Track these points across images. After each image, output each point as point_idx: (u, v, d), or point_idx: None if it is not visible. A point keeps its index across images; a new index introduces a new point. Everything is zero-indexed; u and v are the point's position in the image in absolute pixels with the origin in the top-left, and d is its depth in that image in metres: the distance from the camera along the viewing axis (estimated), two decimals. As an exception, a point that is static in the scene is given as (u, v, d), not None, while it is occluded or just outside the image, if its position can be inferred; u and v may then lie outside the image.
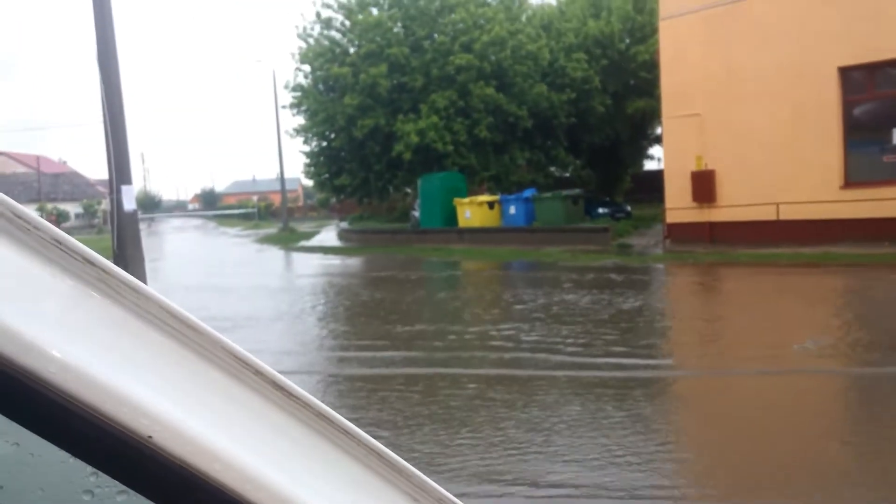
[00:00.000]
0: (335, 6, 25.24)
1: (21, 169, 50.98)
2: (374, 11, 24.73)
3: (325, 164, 26.74)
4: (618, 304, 8.46)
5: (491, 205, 19.69)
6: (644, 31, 24.88)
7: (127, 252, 7.28)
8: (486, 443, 4.06)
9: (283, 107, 27.76)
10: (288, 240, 25.76)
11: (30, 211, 0.39)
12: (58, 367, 0.36)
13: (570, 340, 6.58)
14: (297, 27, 33.95)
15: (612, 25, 25.35)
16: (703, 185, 14.51)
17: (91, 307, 0.39)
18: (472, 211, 19.75)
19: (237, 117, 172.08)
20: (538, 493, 3.43)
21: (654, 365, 5.86)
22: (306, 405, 0.44)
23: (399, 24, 24.56)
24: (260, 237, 28.89)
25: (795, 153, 13.30)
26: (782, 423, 4.33)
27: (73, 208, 47.96)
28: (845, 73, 13.06)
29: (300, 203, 62.57)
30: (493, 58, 23.57)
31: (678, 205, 14.94)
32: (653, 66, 20.08)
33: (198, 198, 78.02)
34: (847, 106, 13.24)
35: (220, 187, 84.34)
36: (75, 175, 55.11)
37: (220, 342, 0.42)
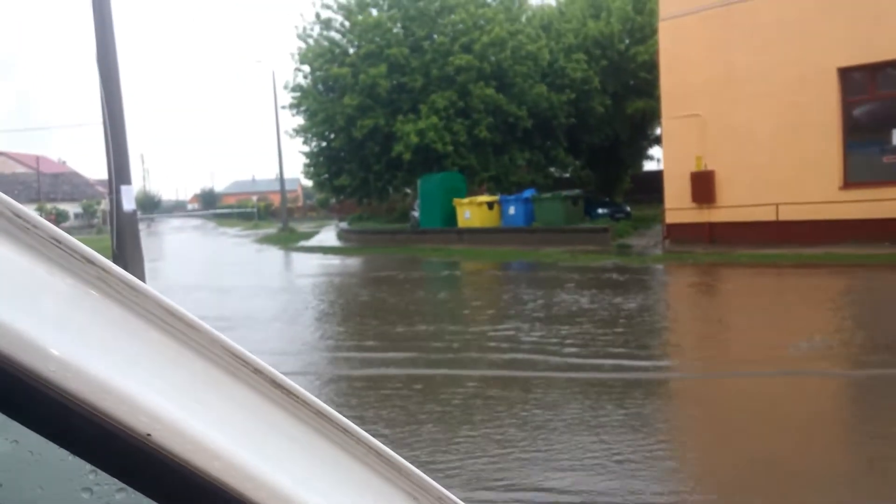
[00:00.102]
0: (335, 7, 25.25)
1: (20, 169, 50.97)
2: (374, 12, 24.74)
3: (324, 165, 26.75)
4: (617, 305, 8.46)
5: (490, 205, 19.69)
6: (644, 31, 24.90)
7: (126, 252, 7.28)
8: (482, 446, 4.05)
9: (283, 107, 27.77)
10: (287, 240, 25.76)
11: (29, 210, 0.39)
12: (57, 365, 0.36)
13: (568, 341, 6.58)
14: (296, 28, 34.02)
15: (612, 26, 25.37)
16: (703, 186, 14.51)
17: (90, 306, 0.39)
18: (472, 211, 19.75)
19: (237, 117, 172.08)
20: (537, 498, 3.37)
21: (653, 367, 5.86)
22: (305, 403, 0.44)
23: (399, 25, 24.56)
24: (259, 237, 28.89)
25: (795, 154, 13.31)
26: (782, 426, 4.33)
27: (72, 208, 47.93)
28: (845, 73, 13.07)
29: (300, 203, 62.56)
30: (492, 58, 23.58)
31: (678, 205, 14.94)
32: (652, 67, 20.09)
33: (197, 198, 78.01)
34: (847, 106, 13.25)
35: (219, 187, 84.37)
36: (75, 175, 55.11)
37: (219, 340, 0.42)
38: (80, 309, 0.39)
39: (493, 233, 18.90)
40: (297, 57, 25.93)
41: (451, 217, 20.41)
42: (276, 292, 12.06)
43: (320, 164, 26.88)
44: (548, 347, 6.32)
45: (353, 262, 17.19)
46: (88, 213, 47.92)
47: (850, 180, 13.13)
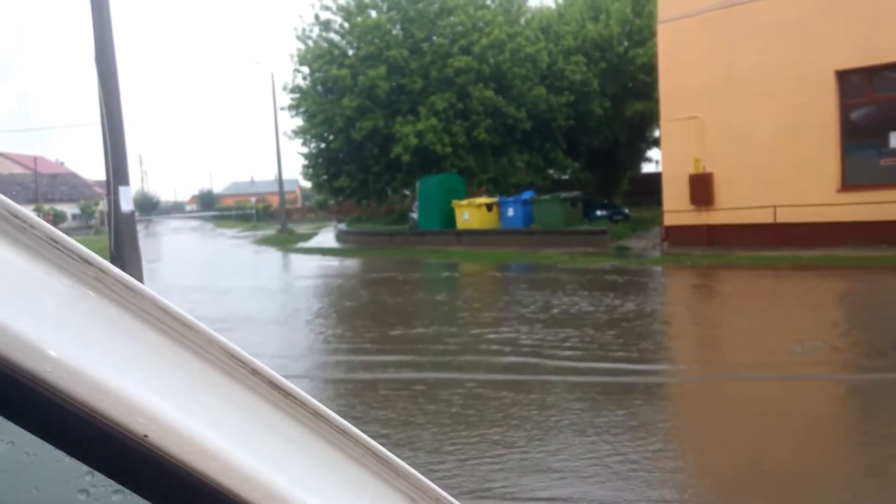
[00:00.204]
0: (334, 8, 25.27)
1: (18, 170, 50.92)
2: (373, 14, 24.76)
3: (323, 166, 26.75)
4: (615, 308, 8.47)
5: (489, 207, 19.70)
6: (643, 34, 24.95)
7: (124, 253, 7.27)
8: (479, 450, 4.04)
9: (282, 108, 27.72)
10: (286, 241, 25.75)
11: (26, 210, 0.39)
12: (53, 365, 0.36)
13: (566, 344, 6.58)
14: (295, 29, 33.98)
15: (611, 28, 25.41)
16: (701, 188, 14.53)
17: (87, 306, 0.39)
18: (471, 213, 19.76)
19: (235, 119, 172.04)
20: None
21: (651, 370, 5.86)
22: (303, 404, 0.44)
23: (398, 27, 24.58)
24: (258, 238, 28.87)
25: (793, 156, 13.34)
26: (781, 430, 4.33)
27: (70, 209, 47.88)
28: (843, 76, 13.10)
29: (298, 205, 62.55)
30: (491, 60, 23.60)
31: (676, 207, 14.96)
32: (651, 69, 20.12)
33: (195, 199, 77.97)
34: (845, 109, 13.28)
35: (218, 188, 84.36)
36: (73, 176, 55.05)
37: (216, 341, 0.42)
38: (77, 309, 0.39)
39: (492, 234, 18.91)
40: (296, 58, 25.95)
41: (449, 219, 20.42)
42: (274, 294, 12.05)
43: (319, 166, 26.88)
44: (545, 350, 6.31)
45: (352, 264, 17.18)
46: (86, 213, 47.86)
47: (848, 183, 13.16)
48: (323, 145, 26.42)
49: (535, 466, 3.75)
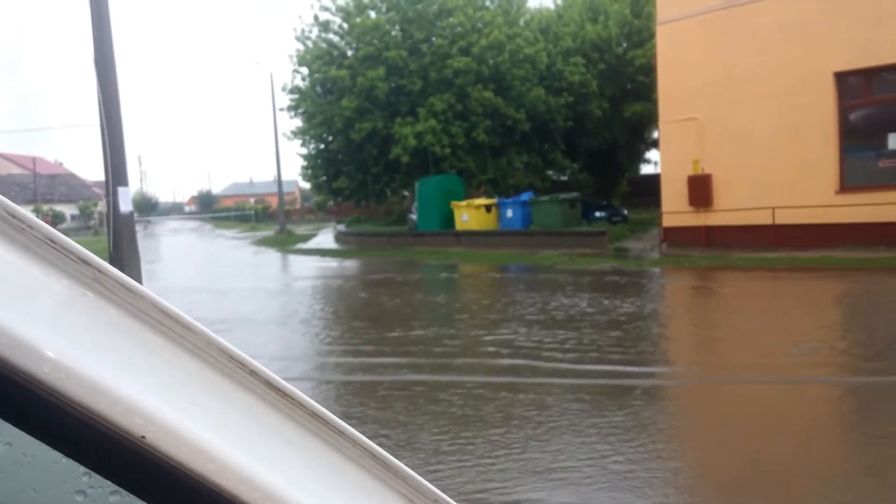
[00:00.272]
0: (333, 9, 25.28)
1: (17, 170, 50.87)
2: (372, 14, 24.77)
3: (322, 167, 26.75)
4: (614, 309, 8.47)
5: (488, 208, 19.70)
6: (641, 35, 24.97)
7: (123, 254, 7.27)
8: (474, 456, 4.04)
9: (281, 109, 27.73)
10: (285, 242, 25.74)
11: (24, 210, 0.39)
12: (51, 366, 0.36)
13: (565, 346, 6.58)
14: (295, 30, 34.02)
15: (610, 29, 25.44)
16: (700, 189, 14.55)
17: (85, 307, 0.39)
18: (470, 214, 19.76)
19: (235, 119, 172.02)
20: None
21: (649, 373, 5.86)
22: (301, 405, 0.44)
23: (397, 28, 24.59)
24: (257, 239, 28.86)
25: (792, 158, 13.35)
26: (779, 432, 4.33)
27: (69, 210, 47.84)
28: (841, 78, 13.12)
29: (297, 205, 62.53)
30: (491, 61, 23.62)
31: (675, 209, 14.97)
32: (650, 71, 20.13)
33: (194, 200, 77.95)
34: (843, 111, 13.30)
35: (217, 189, 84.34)
36: (71, 176, 55.01)
37: (214, 342, 0.42)
38: (75, 310, 0.39)
39: (491, 235, 18.91)
40: (295, 59, 25.95)
41: (448, 220, 20.42)
42: (273, 295, 12.05)
43: (318, 167, 26.88)
44: (543, 353, 6.31)
45: (351, 265, 17.18)
46: (85, 214, 47.83)
47: (847, 184, 13.18)
48: (322, 146, 26.42)
49: (533, 469, 3.74)
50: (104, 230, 8.72)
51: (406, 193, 27.32)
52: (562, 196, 19.07)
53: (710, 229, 14.52)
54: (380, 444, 0.47)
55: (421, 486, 0.48)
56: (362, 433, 0.46)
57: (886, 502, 3.31)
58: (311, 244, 24.57)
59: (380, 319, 8.69)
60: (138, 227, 10.44)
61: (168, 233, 41.29)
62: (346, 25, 25.11)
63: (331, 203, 35.91)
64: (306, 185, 35.57)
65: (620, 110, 26.36)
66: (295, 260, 19.38)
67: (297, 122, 26.65)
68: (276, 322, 8.94)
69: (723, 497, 3.51)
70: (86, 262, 0.39)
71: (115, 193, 7.28)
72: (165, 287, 12.87)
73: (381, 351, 6.76)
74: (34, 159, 50.19)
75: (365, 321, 8.75)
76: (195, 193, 78.90)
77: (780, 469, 3.65)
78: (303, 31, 25.95)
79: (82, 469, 0.40)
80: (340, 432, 0.45)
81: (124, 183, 7.44)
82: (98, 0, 7.22)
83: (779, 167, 13.46)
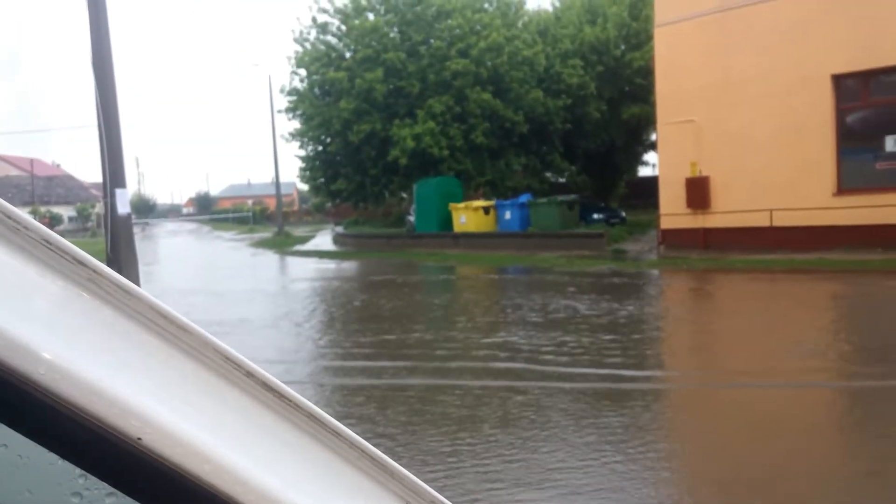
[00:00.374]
0: (331, 11, 25.29)
1: (14, 172, 50.78)
2: (371, 16, 24.78)
3: (320, 169, 26.74)
4: (611, 311, 8.48)
5: (486, 210, 19.71)
6: (639, 37, 25.02)
7: (121, 256, 7.25)
8: (469, 462, 4.03)
9: (279, 111, 27.68)
10: (283, 244, 25.72)
11: (20, 211, 0.38)
12: (47, 368, 0.36)
13: (562, 349, 6.57)
14: (293, 31, 34.00)
15: (608, 32, 25.49)
16: (698, 192, 14.57)
17: (81, 308, 0.39)
18: (468, 216, 19.77)
19: (233, 121, 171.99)
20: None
21: (645, 377, 5.86)
22: (297, 407, 0.43)
23: (395, 29, 24.61)
24: (255, 241, 28.83)
25: (789, 160, 13.38)
26: (776, 438, 4.33)
27: (66, 212, 47.78)
28: (839, 80, 13.16)
29: (295, 207, 62.50)
30: (489, 63, 23.64)
31: (673, 211, 14.99)
32: (648, 73, 20.17)
33: (192, 202, 77.88)
34: (840, 113, 13.33)
35: (215, 191, 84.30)
36: (69, 178, 54.94)
37: (211, 343, 0.42)
38: (70, 311, 0.39)
39: (489, 237, 18.92)
40: (293, 61, 25.96)
41: (446, 222, 20.42)
42: (271, 297, 12.04)
43: (316, 169, 26.87)
44: (540, 357, 6.30)
45: (349, 267, 17.17)
46: (83, 216, 47.76)
47: (844, 187, 13.20)
48: (320, 148, 26.41)
49: (531, 469, 3.74)
50: (102, 232, 8.71)
51: (404, 195, 27.32)
52: (560, 198, 19.09)
53: (707, 231, 14.54)
54: (376, 446, 0.47)
55: (418, 488, 0.48)
56: (358, 435, 0.46)
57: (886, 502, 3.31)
58: (310, 246, 24.56)
59: (377, 322, 8.68)
60: (136, 229, 10.43)
61: (166, 234, 41.25)
62: (344, 27, 25.13)
63: (329, 205, 35.90)
64: (304, 187, 35.55)
65: (618, 112, 26.40)
66: (293, 262, 19.37)
67: (296, 124, 26.66)
68: (273, 325, 8.92)
69: (722, 497, 3.51)
70: (82, 263, 0.39)
71: (112, 195, 7.27)
72: (163, 289, 12.85)
73: (379, 354, 6.75)
74: (31, 161, 50.13)
75: (362, 323, 8.75)
76: (193, 195, 78.84)
77: (778, 471, 3.65)
78: (301, 32, 25.97)
79: (78, 471, 0.40)
80: (337, 434, 0.45)
81: (122, 185, 7.42)
82: (96, 1, 7.22)
83: (776, 169, 13.49)
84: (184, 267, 19.11)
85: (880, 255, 11.67)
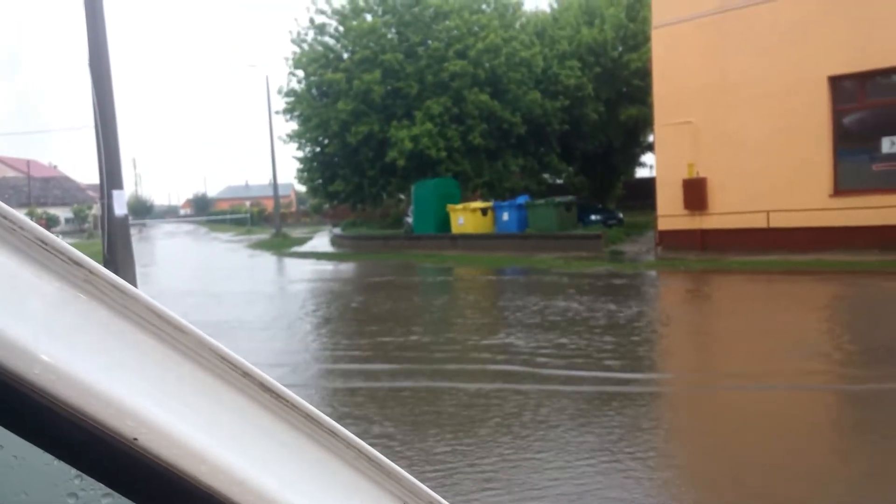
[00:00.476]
0: (329, 12, 25.29)
1: (11, 173, 50.67)
2: (368, 17, 24.79)
3: (318, 170, 26.72)
4: (609, 313, 8.48)
5: (484, 211, 19.72)
6: (637, 39, 25.07)
7: (117, 257, 7.24)
8: (463, 471, 4.02)
9: (277, 112, 27.65)
10: (280, 245, 25.69)
11: (15, 211, 0.38)
12: (42, 368, 0.36)
13: (560, 352, 6.57)
14: (291, 32, 34.03)
15: (606, 33, 25.53)
16: (695, 193, 14.59)
17: (77, 308, 0.39)
18: (466, 217, 19.77)
19: (230, 122, 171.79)
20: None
21: (643, 380, 5.86)
22: (294, 407, 0.43)
23: (393, 31, 24.62)
24: (252, 243, 28.80)
25: (786, 161, 13.41)
26: (775, 439, 4.33)
27: (63, 213, 47.69)
28: (835, 82, 13.19)
29: (293, 208, 62.45)
30: (487, 64, 23.66)
31: (670, 212, 15.01)
32: (645, 74, 20.21)
33: (190, 203, 77.79)
34: (837, 115, 13.37)
35: (212, 192, 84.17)
36: (66, 179, 54.83)
37: (207, 344, 0.41)
38: (66, 311, 0.38)
39: (487, 239, 18.92)
40: (291, 62, 25.95)
41: (444, 223, 20.42)
42: (268, 298, 12.02)
43: (314, 170, 26.85)
44: (536, 359, 6.30)
45: (347, 268, 17.16)
46: (79, 217, 47.66)
47: (841, 188, 13.24)
48: (318, 149, 26.40)
49: (528, 469, 3.74)
50: (98, 233, 8.69)
51: (402, 197, 27.32)
52: (557, 199, 19.11)
53: (704, 232, 14.56)
54: (372, 447, 0.46)
55: (415, 488, 0.48)
56: (355, 435, 0.46)
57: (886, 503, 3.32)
58: (307, 247, 24.54)
59: (375, 323, 8.67)
60: (133, 231, 10.42)
61: (163, 236, 41.17)
62: (341, 28, 25.12)
63: (327, 206, 35.91)
64: (302, 189, 35.53)
65: (616, 114, 26.44)
66: (290, 263, 19.35)
67: (293, 125, 26.65)
68: (270, 327, 8.91)
69: (723, 499, 3.51)
70: (77, 263, 0.39)
71: (109, 196, 7.26)
72: (160, 290, 12.82)
73: (375, 356, 6.74)
74: (28, 162, 50.02)
75: (359, 325, 8.74)
76: (191, 196, 78.76)
77: (777, 472, 3.65)
78: (298, 34, 25.97)
79: (74, 471, 0.40)
80: (334, 434, 0.45)
81: (119, 186, 7.41)
82: (93, 3, 7.21)
83: (773, 171, 13.52)
84: (181, 268, 19.08)
85: (877, 256, 11.71)
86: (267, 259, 21.05)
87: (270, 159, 33.50)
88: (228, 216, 54.60)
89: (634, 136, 29.03)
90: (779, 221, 13.45)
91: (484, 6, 25.68)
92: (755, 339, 6.96)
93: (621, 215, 22.18)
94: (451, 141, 23.62)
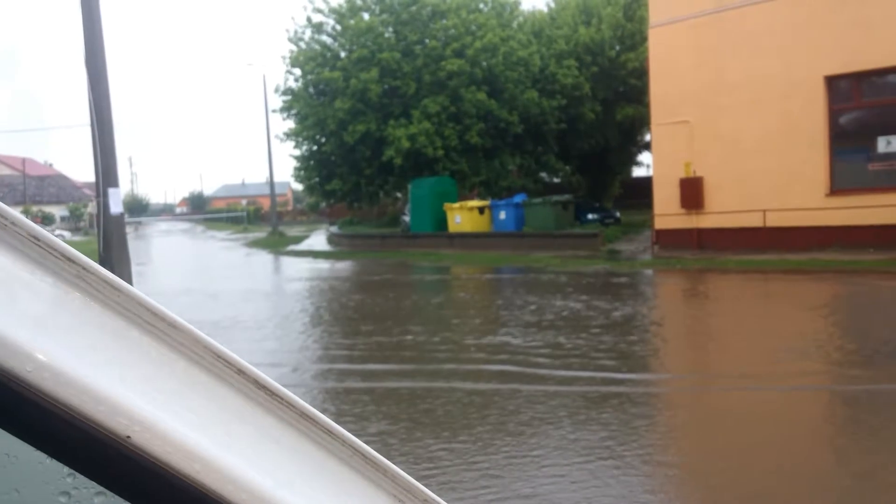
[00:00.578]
0: (326, 11, 25.24)
1: (6, 171, 50.49)
2: (366, 16, 24.75)
3: (315, 169, 26.68)
4: (606, 312, 8.49)
5: (481, 210, 19.72)
6: (634, 38, 25.09)
7: (113, 255, 7.23)
8: (461, 476, 4.03)
9: (274, 110, 27.61)
10: (277, 244, 25.66)
11: (8, 207, 0.38)
12: (34, 365, 0.36)
13: (557, 351, 6.58)
14: (288, 31, 33.96)
15: (603, 33, 25.54)
16: (692, 192, 14.62)
17: (70, 305, 0.39)
18: (463, 216, 19.77)
19: (227, 121, 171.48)
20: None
21: (639, 380, 5.86)
22: (290, 405, 0.43)
23: (390, 29, 24.58)
24: (249, 241, 28.75)
25: (782, 161, 13.44)
26: (771, 443, 4.35)
27: (58, 211, 47.56)
28: (832, 81, 13.23)
29: (290, 207, 62.38)
30: (484, 63, 23.65)
31: (667, 211, 15.04)
32: (642, 74, 20.23)
33: (186, 201, 77.64)
34: (833, 114, 13.41)
35: (208, 191, 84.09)
36: (61, 178, 54.65)
37: (202, 341, 0.41)
38: (59, 308, 0.38)
39: (484, 237, 18.93)
40: (288, 60, 25.89)
41: (441, 221, 20.42)
42: (263, 297, 12.00)
43: (311, 168, 26.80)
44: (532, 358, 6.30)
45: (343, 267, 17.14)
46: (75, 216, 47.53)
47: (837, 187, 13.28)
48: (315, 148, 26.35)
49: (524, 471, 3.74)
50: (94, 231, 8.66)
51: (399, 195, 27.30)
52: (554, 198, 19.12)
53: (701, 231, 14.59)
54: (367, 445, 0.46)
55: (411, 486, 0.47)
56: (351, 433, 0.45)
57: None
58: (304, 246, 24.50)
59: (371, 322, 8.67)
60: (129, 229, 10.39)
61: (159, 234, 41.08)
62: (339, 27, 25.08)
63: (323, 205, 35.87)
64: (299, 187, 35.47)
65: (613, 113, 26.47)
66: (287, 262, 19.32)
67: (290, 124, 26.60)
68: (267, 325, 8.90)
69: (721, 499, 3.52)
70: (70, 259, 0.39)
71: (105, 194, 7.24)
72: (155, 289, 12.79)
73: (371, 356, 6.74)
74: (24, 160, 49.84)
75: (355, 324, 8.73)
76: (187, 195, 78.66)
77: (777, 472, 3.66)
78: (296, 32, 25.90)
79: (66, 469, 0.40)
80: (329, 432, 0.44)
81: (115, 184, 7.39)
82: (89, 2, 7.18)
83: (769, 170, 13.55)
84: (177, 267, 19.04)
85: (872, 255, 11.75)
86: (263, 257, 21.02)
87: (267, 157, 33.50)
88: (225, 214, 54.52)
89: (631, 136, 29.06)
90: (775, 221, 13.48)
91: (481, 5, 25.67)
92: (751, 339, 6.98)
93: (618, 214, 22.22)
94: (449, 140, 23.61)
